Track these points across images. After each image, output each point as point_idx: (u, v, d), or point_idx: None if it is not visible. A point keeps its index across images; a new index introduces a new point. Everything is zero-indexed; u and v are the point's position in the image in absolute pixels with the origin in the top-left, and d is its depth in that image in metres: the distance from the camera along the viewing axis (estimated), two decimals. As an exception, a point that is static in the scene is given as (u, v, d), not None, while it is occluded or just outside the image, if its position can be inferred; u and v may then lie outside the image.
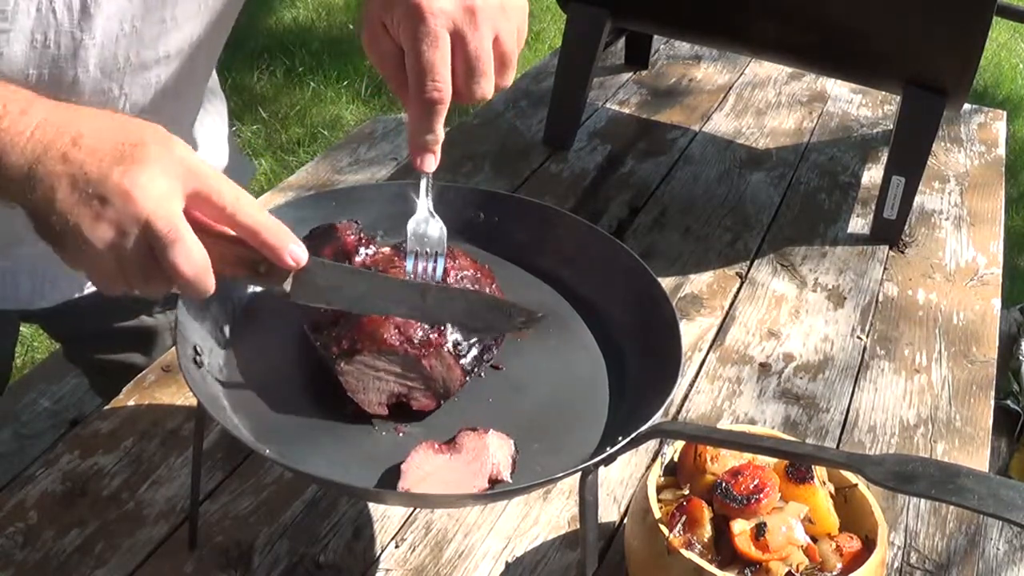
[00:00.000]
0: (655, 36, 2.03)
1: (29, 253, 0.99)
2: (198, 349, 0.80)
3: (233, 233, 0.70)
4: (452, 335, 0.81)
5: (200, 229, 0.68)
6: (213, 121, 1.15)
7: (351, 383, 0.79)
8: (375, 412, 0.81)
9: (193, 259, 0.66)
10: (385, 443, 0.79)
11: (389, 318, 0.79)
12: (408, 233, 0.83)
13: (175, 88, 0.93)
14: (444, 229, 0.83)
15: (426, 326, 0.80)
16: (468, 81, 0.76)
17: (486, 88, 0.77)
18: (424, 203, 0.83)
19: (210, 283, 0.68)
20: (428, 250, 0.83)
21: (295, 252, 0.71)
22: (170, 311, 1.20)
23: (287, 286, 0.73)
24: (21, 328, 1.69)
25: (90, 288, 1.07)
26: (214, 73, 1.15)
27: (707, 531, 0.82)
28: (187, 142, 1.07)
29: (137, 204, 0.64)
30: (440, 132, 0.77)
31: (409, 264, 0.82)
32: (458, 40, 0.75)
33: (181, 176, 0.66)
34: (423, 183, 0.82)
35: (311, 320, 0.83)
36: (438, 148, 0.78)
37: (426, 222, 0.83)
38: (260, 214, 0.70)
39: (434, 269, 0.82)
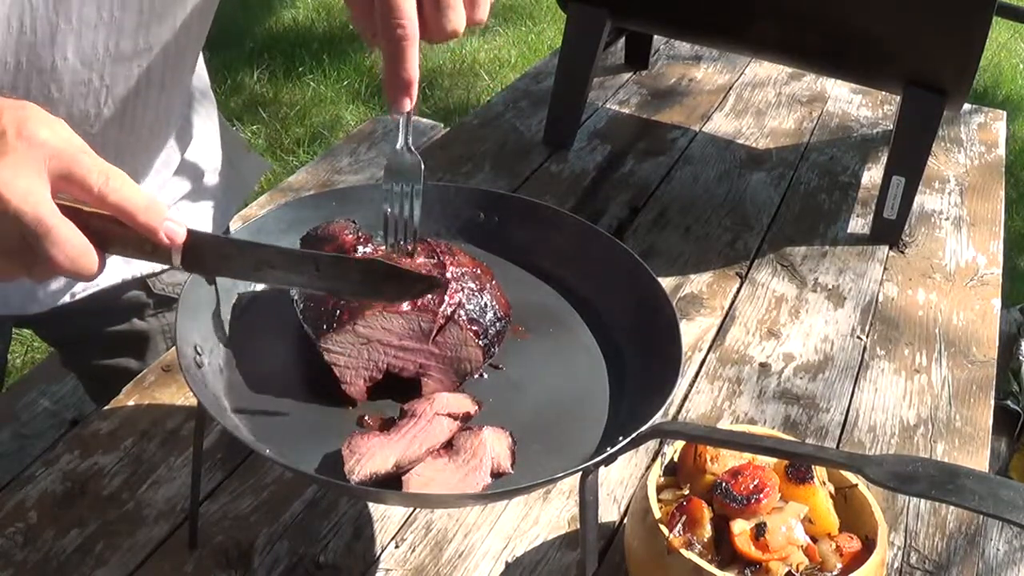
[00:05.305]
0: (655, 36, 2.03)
1: None
2: (198, 349, 0.80)
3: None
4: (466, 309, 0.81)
5: (82, 211, 0.67)
6: (203, 123, 1.15)
7: (335, 356, 0.79)
8: (355, 394, 0.81)
9: (67, 248, 0.65)
10: (385, 443, 0.79)
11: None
12: (384, 169, 0.82)
13: (160, 81, 0.93)
14: (421, 163, 0.82)
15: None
16: (436, 15, 0.74)
17: (456, 21, 0.75)
18: (402, 137, 0.82)
19: (90, 266, 0.68)
20: (404, 186, 0.81)
21: (171, 229, 0.70)
22: (162, 314, 1.20)
23: (175, 261, 0.73)
24: (22, 329, 1.69)
25: (81, 292, 1.07)
26: (204, 74, 1.15)
27: (707, 531, 0.82)
28: (176, 139, 1.08)
29: (3, 202, 0.63)
30: (413, 71, 0.75)
31: (386, 202, 0.82)
32: None
33: (44, 161, 0.65)
34: (401, 121, 0.81)
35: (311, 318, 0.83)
36: (413, 89, 0.76)
37: (402, 155, 0.82)
38: (131, 194, 0.68)
39: (410, 209, 0.82)
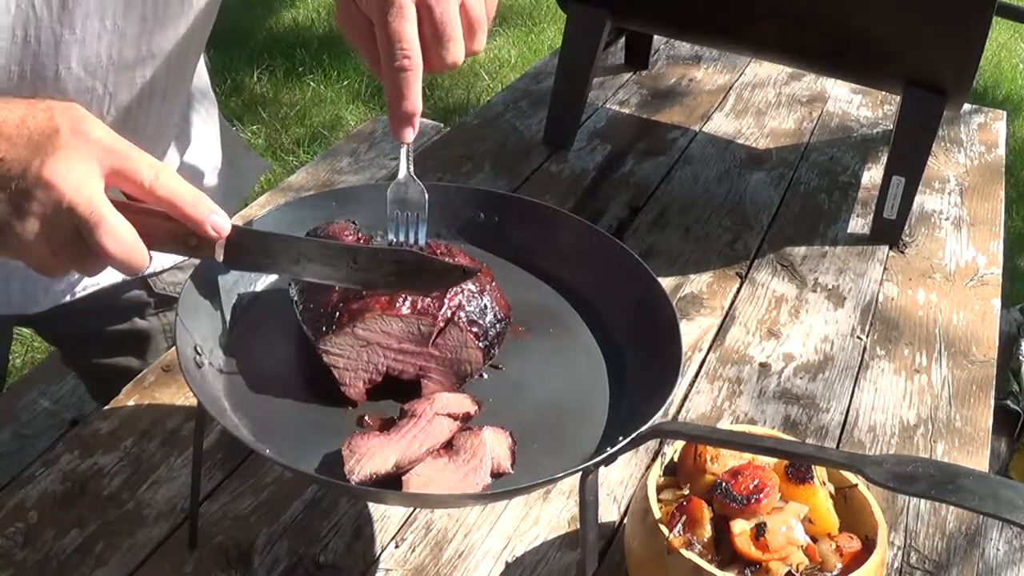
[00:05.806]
0: (655, 36, 2.03)
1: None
2: (198, 349, 0.80)
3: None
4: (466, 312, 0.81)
5: (130, 206, 0.70)
6: (203, 124, 1.15)
7: (334, 358, 0.79)
8: (354, 396, 0.81)
9: (118, 239, 0.68)
10: (385, 443, 0.79)
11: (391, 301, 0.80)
12: (388, 199, 0.83)
13: (163, 89, 0.93)
14: (425, 192, 0.83)
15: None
16: (437, 47, 0.76)
17: (455, 53, 0.77)
18: (404, 168, 0.83)
19: (140, 258, 0.70)
20: (409, 214, 0.83)
21: (216, 223, 0.72)
22: (163, 313, 1.20)
23: (219, 256, 0.75)
24: (23, 328, 1.69)
25: (82, 291, 1.07)
26: (204, 74, 1.15)
27: (707, 531, 0.82)
28: (176, 141, 1.08)
29: (58, 193, 0.66)
30: (416, 101, 0.76)
31: (391, 231, 0.82)
32: (424, 9, 0.75)
33: (97, 156, 0.68)
34: (403, 151, 0.82)
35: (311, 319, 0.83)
36: (416, 120, 0.78)
37: (407, 185, 0.83)
38: (179, 187, 0.71)
39: (416, 234, 0.83)
